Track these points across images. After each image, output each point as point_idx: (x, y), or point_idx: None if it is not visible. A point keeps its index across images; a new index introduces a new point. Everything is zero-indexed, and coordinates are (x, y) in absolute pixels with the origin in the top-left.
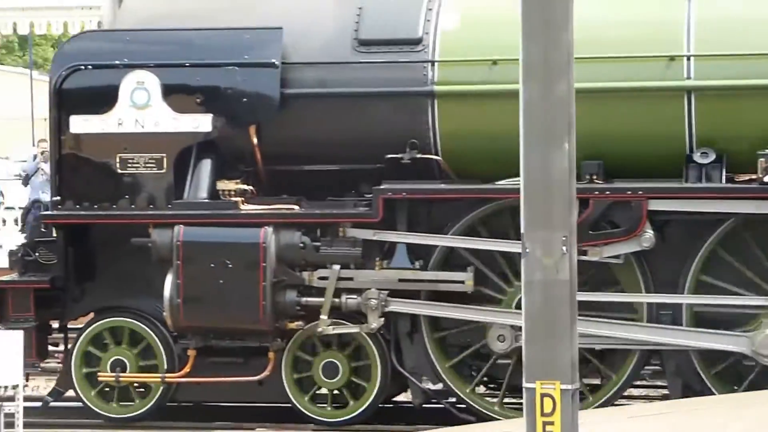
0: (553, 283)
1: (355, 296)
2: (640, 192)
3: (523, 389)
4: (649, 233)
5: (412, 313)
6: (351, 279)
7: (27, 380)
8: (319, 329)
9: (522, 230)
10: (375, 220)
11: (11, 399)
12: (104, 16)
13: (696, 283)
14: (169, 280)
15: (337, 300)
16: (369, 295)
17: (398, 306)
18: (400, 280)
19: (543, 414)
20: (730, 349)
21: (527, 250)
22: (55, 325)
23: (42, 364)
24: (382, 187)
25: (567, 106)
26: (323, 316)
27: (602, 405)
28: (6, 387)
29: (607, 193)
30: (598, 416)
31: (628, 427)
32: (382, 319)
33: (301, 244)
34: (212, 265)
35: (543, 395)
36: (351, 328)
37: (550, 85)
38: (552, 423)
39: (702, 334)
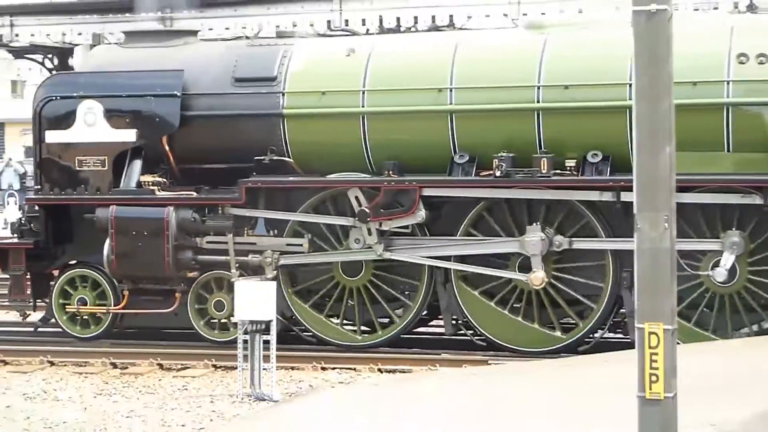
0: (658, 251)
1: (257, 255)
2: (414, 183)
3: (636, 329)
4: (422, 212)
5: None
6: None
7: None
8: (233, 279)
9: (635, 211)
10: (240, 202)
11: (267, 331)
12: (76, 61)
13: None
14: (107, 243)
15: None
16: (266, 255)
17: (286, 261)
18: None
19: (650, 347)
20: (507, 250)
21: (639, 226)
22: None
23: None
24: (245, 179)
25: (668, 120)
26: (233, 270)
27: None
28: (262, 322)
29: (393, 183)
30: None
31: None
32: (276, 271)
33: (192, 219)
34: (134, 232)
35: (650, 333)
36: (256, 277)
37: (656, 104)
38: (657, 354)
39: (483, 243)
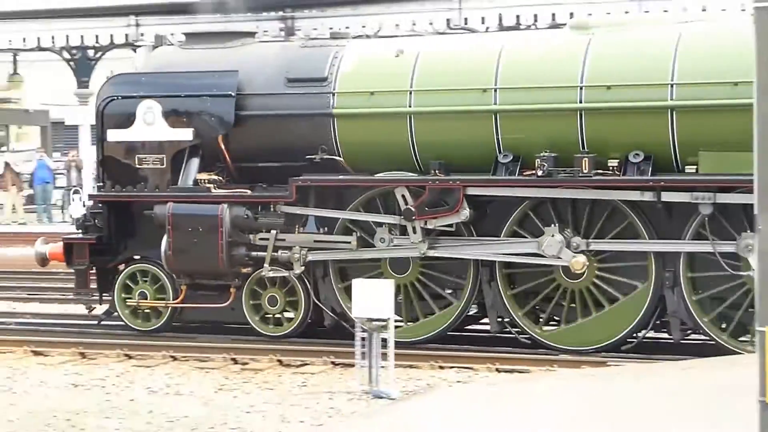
0: None
1: (286, 251)
2: (458, 182)
3: (756, 332)
4: (466, 210)
5: (324, 260)
6: (283, 240)
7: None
8: (263, 273)
9: (756, 212)
10: (290, 200)
11: (385, 329)
12: (138, 62)
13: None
14: (164, 239)
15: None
16: (294, 251)
17: (313, 257)
18: (314, 241)
19: None
20: (526, 250)
21: (760, 228)
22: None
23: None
24: (295, 177)
25: None
26: (266, 265)
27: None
28: (380, 319)
29: (437, 182)
30: None
31: None
32: (303, 267)
33: (245, 216)
34: (189, 229)
35: None
36: (283, 273)
37: None
38: None
39: (503, 244)
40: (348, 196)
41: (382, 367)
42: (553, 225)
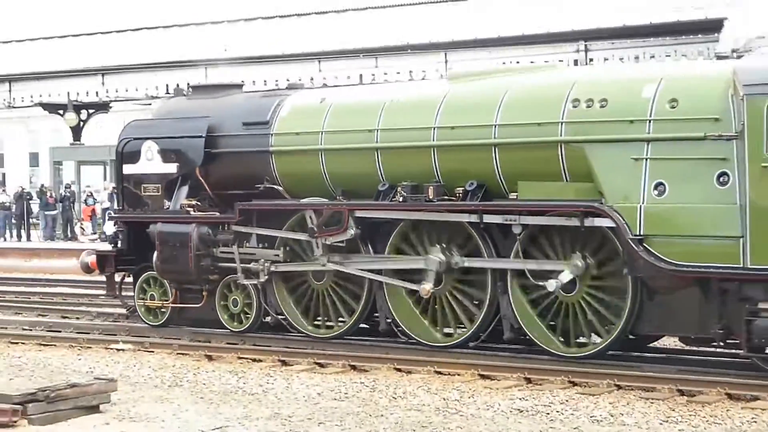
0: None
1: (256, 264)
2: (345, 206)
3: None
4: (352, 229)
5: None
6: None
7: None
8: (239, 281)
9: None
10: (234, 221)
11: None
12: (153, 109)
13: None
14: (155, 252)
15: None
16: (261, 263)
17: (277, 268)
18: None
19: None
20: (415, 266)
21: None
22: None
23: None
24: (240, 203)
25: None
26: (240, 274)
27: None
28: None
29: (330, 206)
30: None
31: None
32: (267, 276)
33: (207, 233)
34: (170, 244)
35: None
36: (253, 281)
37: None
38: None
39: (397, 260)
40: (281, 217)
41: None
42: (438, 245)
